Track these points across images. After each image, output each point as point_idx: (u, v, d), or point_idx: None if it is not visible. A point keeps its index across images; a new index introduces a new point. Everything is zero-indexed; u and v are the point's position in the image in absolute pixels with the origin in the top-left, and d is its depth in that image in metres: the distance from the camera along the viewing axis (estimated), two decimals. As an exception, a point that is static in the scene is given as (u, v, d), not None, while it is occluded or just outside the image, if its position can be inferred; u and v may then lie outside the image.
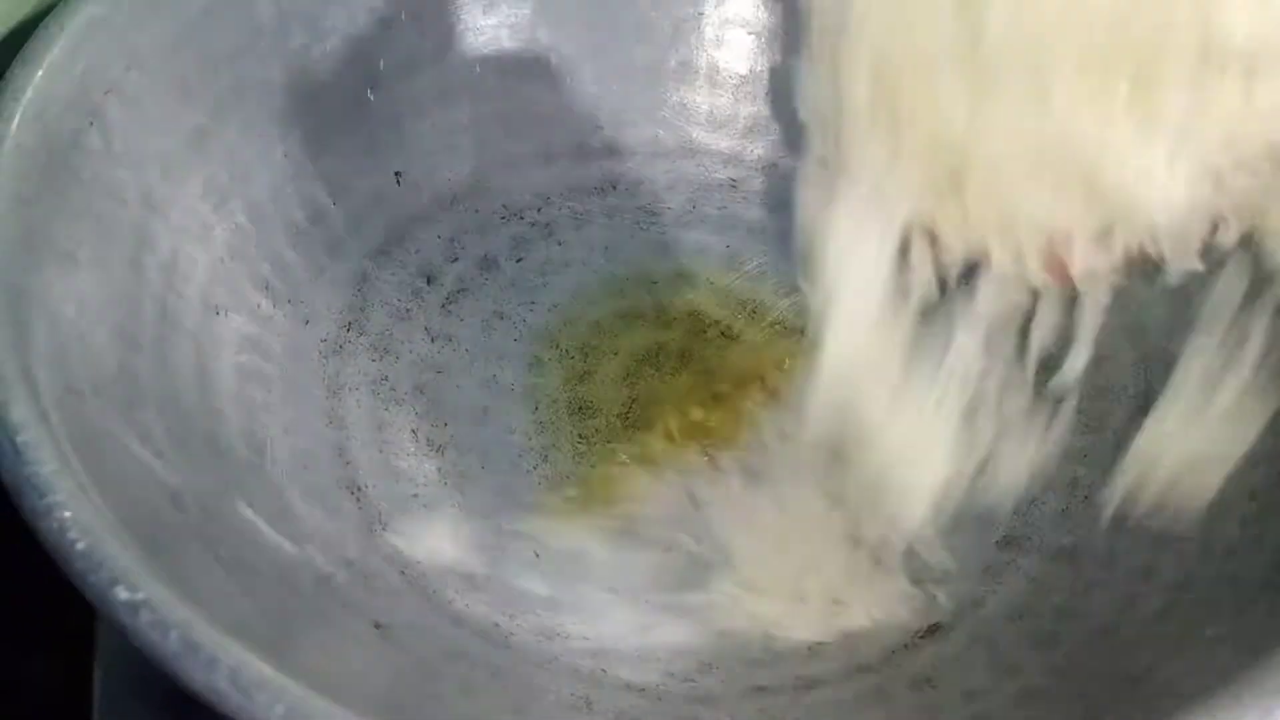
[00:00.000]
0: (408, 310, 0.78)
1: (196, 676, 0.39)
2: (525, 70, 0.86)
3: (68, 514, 0.42)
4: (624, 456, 0.71)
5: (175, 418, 0.59)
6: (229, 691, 0.38)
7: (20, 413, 0.45)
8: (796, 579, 0.65)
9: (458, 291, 0.80)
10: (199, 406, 0.61)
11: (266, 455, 0.63)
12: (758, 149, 0.92)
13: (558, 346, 0.78)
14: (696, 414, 0.74)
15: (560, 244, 0.83)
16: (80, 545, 0.41)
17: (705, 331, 0.80)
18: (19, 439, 0.43)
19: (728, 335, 0.80)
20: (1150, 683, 0.53)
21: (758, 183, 0.91)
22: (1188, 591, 0.59)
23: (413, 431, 0.73)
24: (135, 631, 0.39)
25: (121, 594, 0.40)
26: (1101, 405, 0.70)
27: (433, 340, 0.77)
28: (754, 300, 0.81)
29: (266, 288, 0.70)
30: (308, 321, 0.72)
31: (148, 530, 0.46)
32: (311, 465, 0.66)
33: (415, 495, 0.69)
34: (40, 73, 0.58)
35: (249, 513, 0.58)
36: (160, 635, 0.39)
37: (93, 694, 0.61)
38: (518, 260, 0.82)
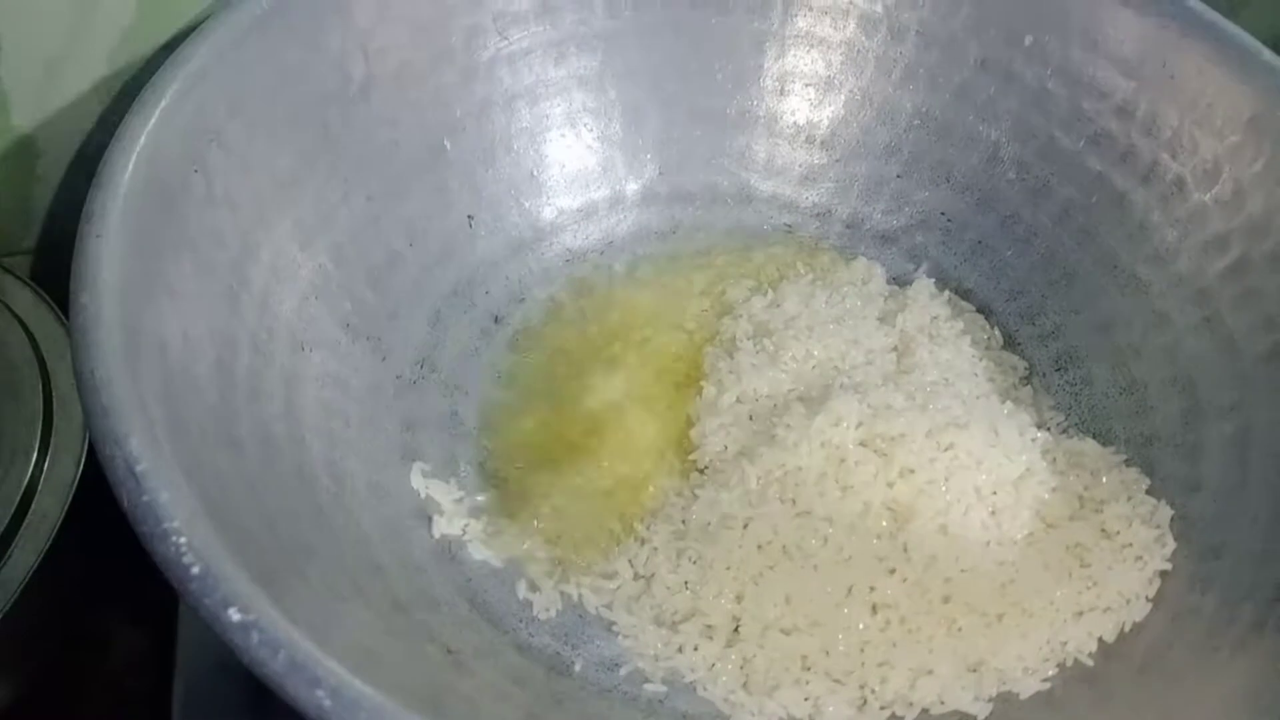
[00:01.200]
0: (476, 348, 0.82)
1: (301, 693, 0.42)
2: (593, 119, 0.90)
3: (183, 539, 0.45)
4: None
5: (267, 447, 0.62)
6: (331, 708, 0.41)
7: (138, 443, 0.48)
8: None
9: (522, 330, 0.84)
10: (287, 437, 0.64)
11: (346, 486, 0.67)
12: (813, 196, 0.96)
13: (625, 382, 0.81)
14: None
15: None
16: (196, 569, 0.44)
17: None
18: (138, 468, 0.47)
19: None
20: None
21: (812, 228, 0.94)
22: None
23: (480, 465, 0.76)
24: (246, 650, 0.43)
25: (234, 615, 0.43)
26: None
27: (499, 378, 0.81)
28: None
29: (347, 326, 0.74)
30: (384, 358, 0.76)
31: (249, 553, 0.50)
32: (387, 496, 0.70)
33: (485, 527, 0.73)
34: (153, 122, 0.62)
35: (332, 537, 0.62)
36: (270, 654, 0.42)
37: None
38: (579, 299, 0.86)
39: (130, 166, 0.59)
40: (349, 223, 0.76)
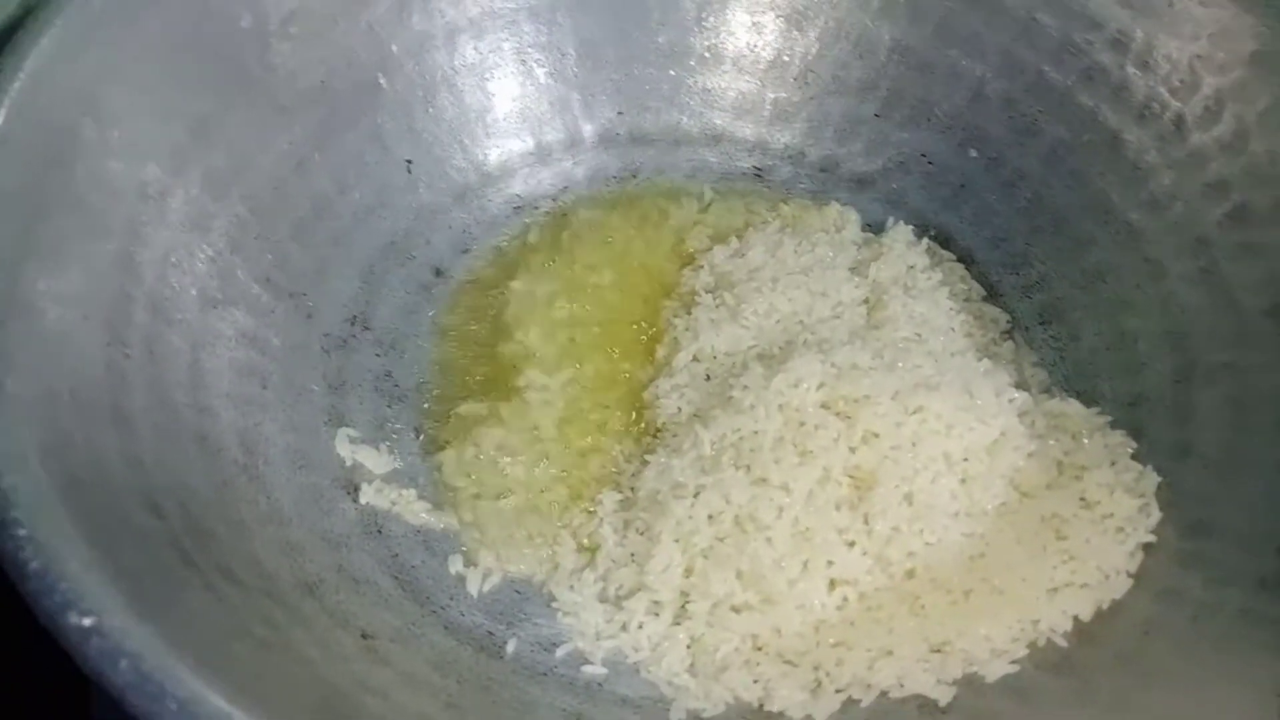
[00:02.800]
0: (415, 304, 0.76)
1: (144, 707, 0.37)
2: (545, 54, 0.84)
3: (23, 531, 0.40)
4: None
5: (164, 416, 0.57)
6: (174, 724, 0.37)
7: (-13, 420, 0.43)
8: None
9: (467, 283, 0.78)
10: (188, 403, 0.59)
11: (258, 454, 0.62)
12: (784, 137, 0.89)
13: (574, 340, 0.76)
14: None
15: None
16: (34, 565, 0.40)
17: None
18: (-16, 449, 0.42)
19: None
20: None
21: (783, 172, 0.88)
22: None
23: (415, 431, 0.71)
24: (85, 659, 0.38)
25: (73, 619, 0.38)
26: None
27: (440, 335, 0.76)
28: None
29: (267, 280, 0.68)
30: (310, 316, 0.71)
31: (117, 542, 0.45)
32: (307, 465, 0.65)
33: (418, 496, 0.68)
34: (34, 59, 0.56)
35: (236, 515, 0.57)
36: (110, 665, 0.38)
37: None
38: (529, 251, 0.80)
39: (6, 110, 0.54)
40: (270, 170, 0.70)
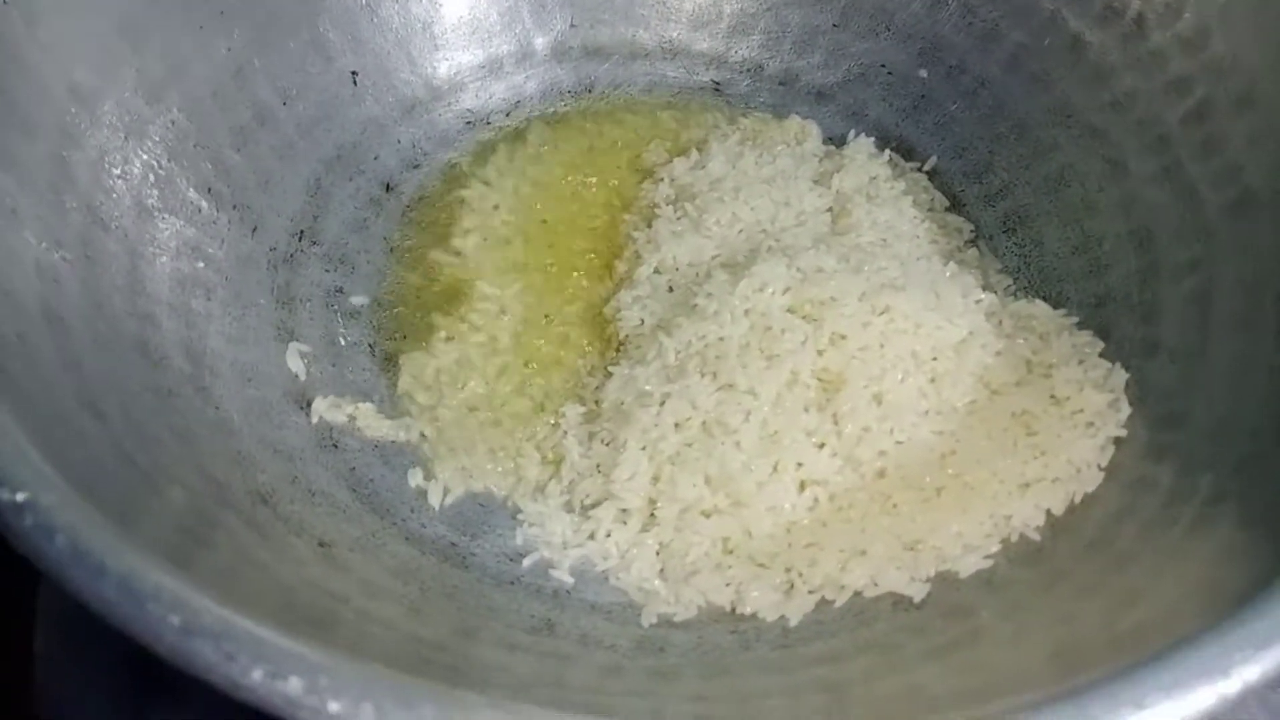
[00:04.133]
0: (364, 220, 0.74)
1: (83, 585, 0.35)
2: (493, -40, 0.81)
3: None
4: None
5: (102, 323, 0.54)
6: (116, 601, 0.34)
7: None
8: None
9: (417, 199, 0.76)
10: (128, 310, 0.56)
11: (205, 366, 0.59)
12: (743, 50, 0.87)
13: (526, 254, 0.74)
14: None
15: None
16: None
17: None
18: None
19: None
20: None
21: (742, 86, 0.86)
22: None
23: (369, 346, 0.69)
24: (19, 536, 0.36)
25: (4, 495, 0.36)
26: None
27: (391, 251, 0.73)
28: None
29: (209, 191, 0.65)
30: (255, 229, 0.68)
31: (53, 432, 0.42)
32: (256, 378, 0.62)
33: (374, 410, 0.66)
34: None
35: (182, 424, 0.55)
36: (46, 540, 0.35)
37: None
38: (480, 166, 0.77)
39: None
40: (207, 75, 0.67)
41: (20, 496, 0.36)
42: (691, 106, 0.84)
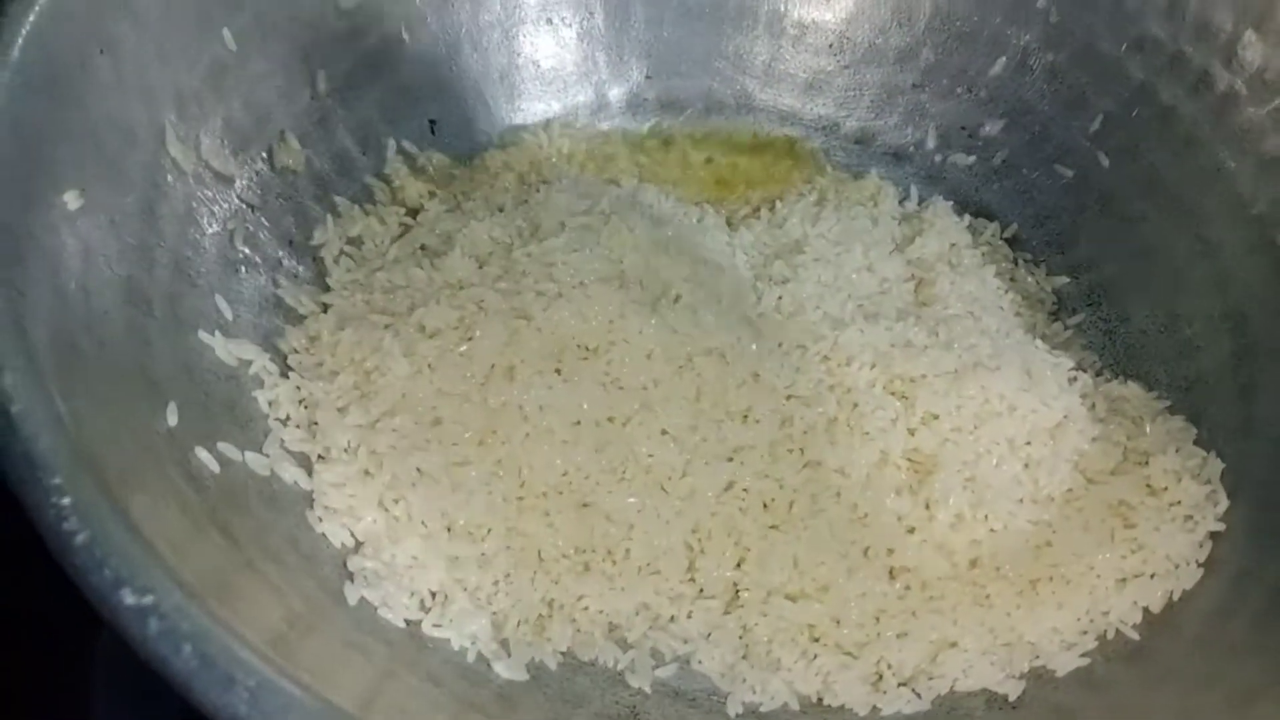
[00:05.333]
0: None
1: (212, 697, 0.33)
2: (571, 12, 0.79)
3: (66, 500, 0.36)
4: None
5: (191, 386, 0.53)
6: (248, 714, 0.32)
7: (14, 377, 0.38)
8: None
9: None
10: (217, 370, 0.55)
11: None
12: (819, 107, 0.86)
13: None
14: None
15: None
16: (80, 537, 0.35)
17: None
18: (13, 409, 0.37)
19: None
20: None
21: (816, 142, 0.85)
22: None
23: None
24: (142, 642, 0.34)
25: (128, 598, 0.34)
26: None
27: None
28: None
29: (290, 244, 0.64)
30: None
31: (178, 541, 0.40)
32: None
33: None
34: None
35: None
36: (173, 650, 0.33)
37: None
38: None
39: (19, 44, 0.49)
40: (293, 122, 0.65)
41: (149, 600, 0.34)
42: (765, 159, 0.83)
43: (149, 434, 0.46)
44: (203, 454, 0.50)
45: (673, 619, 0.60)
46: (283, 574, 0.48)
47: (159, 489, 0.44)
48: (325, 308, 0.64)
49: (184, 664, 0.33)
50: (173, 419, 0.49)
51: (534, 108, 0.79)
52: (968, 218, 0.80)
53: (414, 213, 0.72)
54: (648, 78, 0.82)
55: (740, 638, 0.60)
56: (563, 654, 0.58)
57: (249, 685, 0.33)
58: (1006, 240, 0.80)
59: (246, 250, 0.61)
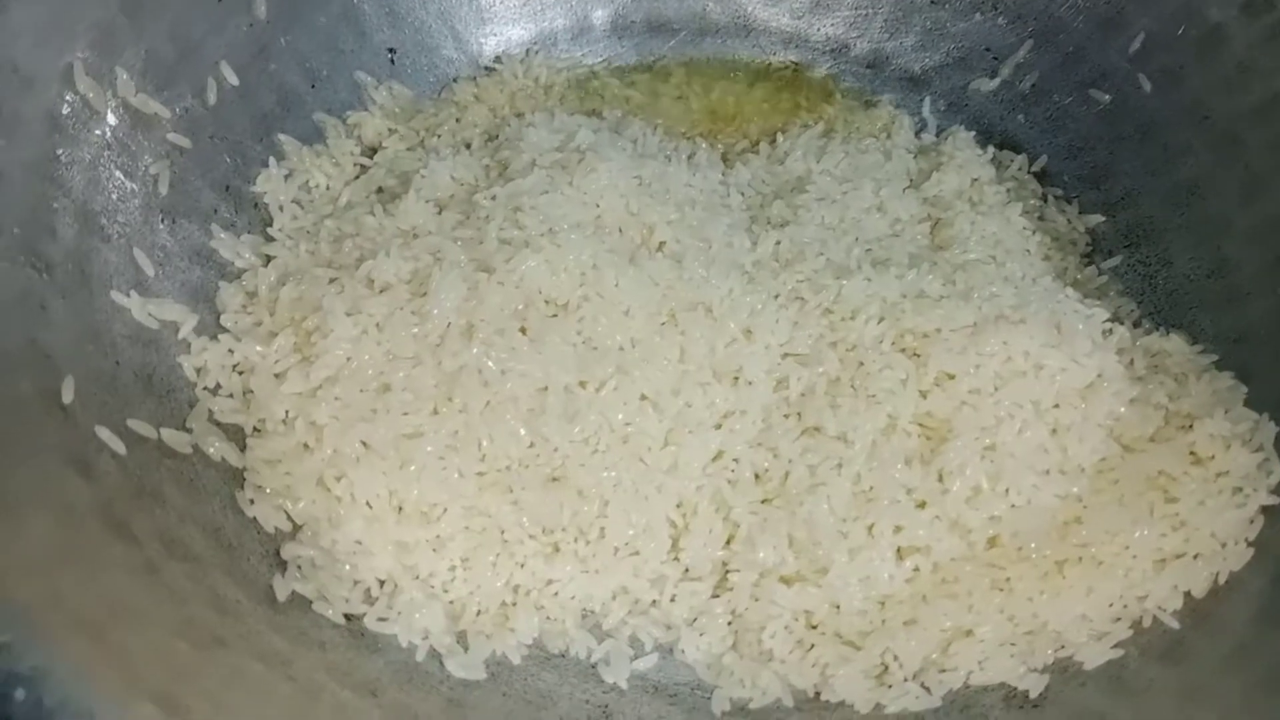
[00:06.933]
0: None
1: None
2: (549, -74, 0.72)
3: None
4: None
5: (96, 356, 0.47)
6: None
7: None
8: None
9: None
10: (133, 335, 0.49)
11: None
12: (826, 27, 0.77)
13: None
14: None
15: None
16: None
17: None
18: None
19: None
20: None
21: (824, 67, 0.76)
22: None
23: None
24: None
25: None
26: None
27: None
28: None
29: (226, 189, 0.57)
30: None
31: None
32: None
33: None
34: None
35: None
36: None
37: None
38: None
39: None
40: (228, 52, 0.58)
41: None
42: (766, 87, 0.75)
43: (28, 419, 0.40)
44: (104, 433, 0.44)
45: (654, 603, 0.55)
46: (191, 573, 0.42)
47: (24, 489, 0.38)
48: (267, 260, 0.58)
49: (14, 708, 0.28)
50: (68, 395, 0.43)
51: (507, 33, 0.72)
52: (991, 150, 0.72)
53: (373, 152, 0.66)
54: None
55: (729, 624, 0.54)
56: (528, 646, 0.52)
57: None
58: (1035, 174, 0.72)
59: (174, 198, 0.54)
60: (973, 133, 0.73)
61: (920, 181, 0.69)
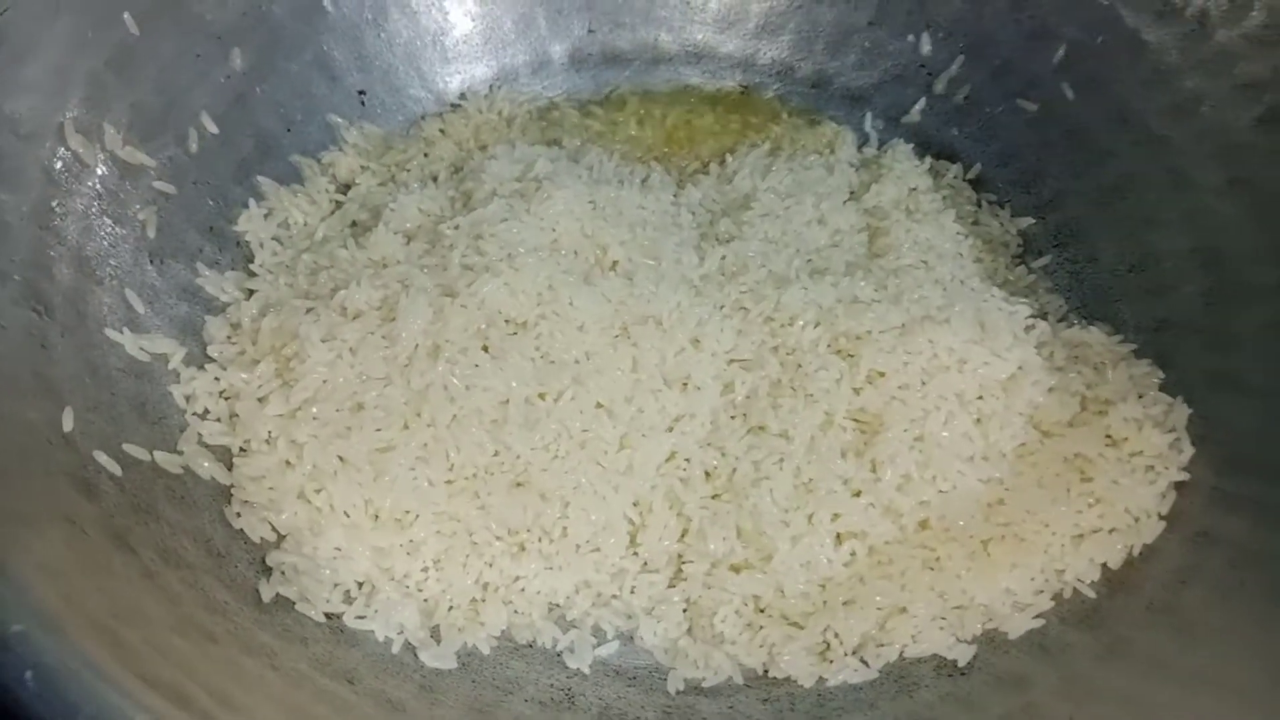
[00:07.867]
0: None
1: None
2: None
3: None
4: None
5: (94, 387, 0.52)
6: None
7: None
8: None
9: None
10: (126, 368, 0.53)
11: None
12: (772, 51, 0.82)
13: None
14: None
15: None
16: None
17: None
18: None
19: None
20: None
21: (773, 89, 0.81)
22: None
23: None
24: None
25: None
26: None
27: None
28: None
29: (210, 230, 0.62)
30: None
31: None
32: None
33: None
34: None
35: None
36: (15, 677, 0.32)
37: None
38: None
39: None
40: (209, 102, 0.63)
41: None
42: (717, 111, 0.79)
43: (36, 443, 0.45)
44: (102, 457, 0.49)
45: (615, 595, 0.59)
46: (185, 579, 0.47)
47: (37, 504, 0.43)
48: (250, 294, 0.63)
49: (25, 691, 0.32)
50: (69, 424, 0.48)
51: (471, 70, 0.77)
52: (929, 160, 0.76)
53: (347, 188, 0.71)
54: (590, 32, 0.79)
55: (684, 611, 0.59)
56: (497, 638, 0.57)
57: (89, 713, 0.32)
58: (970, 181, 0.76)
59: (161, 241, 0.59)
60: (911, 145, 0.77)
61: (861, 193, 0.73)
